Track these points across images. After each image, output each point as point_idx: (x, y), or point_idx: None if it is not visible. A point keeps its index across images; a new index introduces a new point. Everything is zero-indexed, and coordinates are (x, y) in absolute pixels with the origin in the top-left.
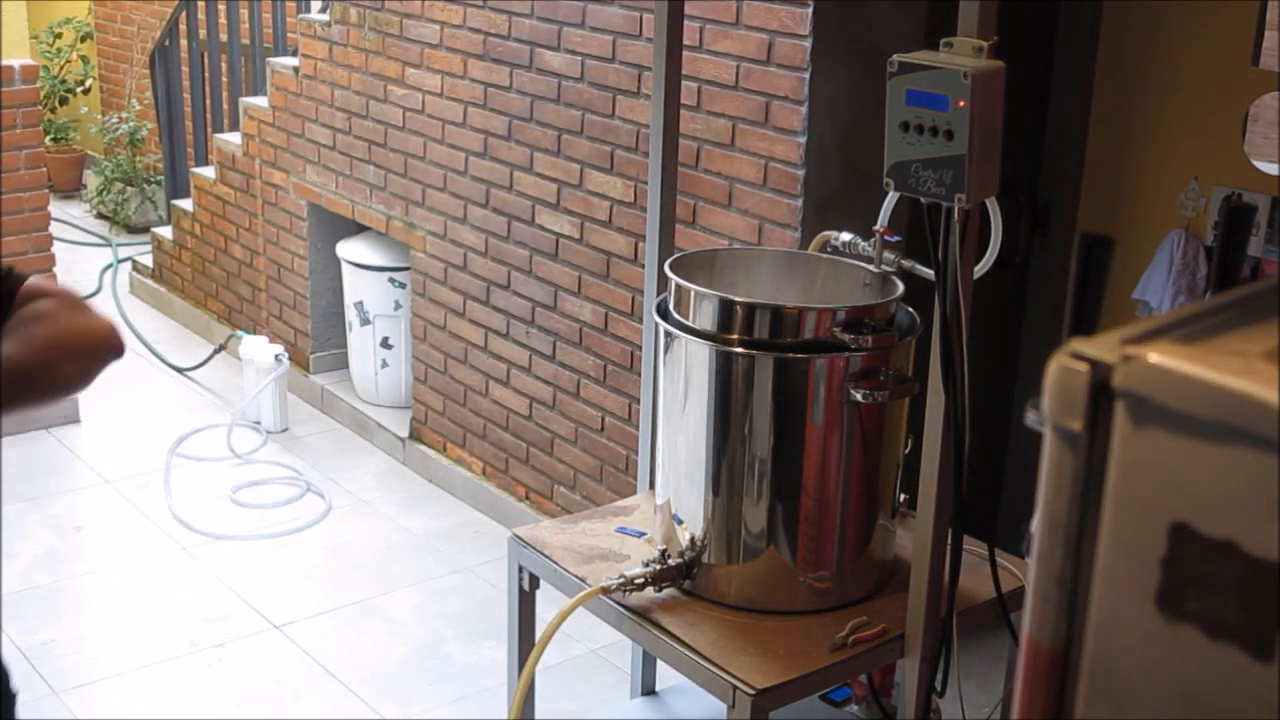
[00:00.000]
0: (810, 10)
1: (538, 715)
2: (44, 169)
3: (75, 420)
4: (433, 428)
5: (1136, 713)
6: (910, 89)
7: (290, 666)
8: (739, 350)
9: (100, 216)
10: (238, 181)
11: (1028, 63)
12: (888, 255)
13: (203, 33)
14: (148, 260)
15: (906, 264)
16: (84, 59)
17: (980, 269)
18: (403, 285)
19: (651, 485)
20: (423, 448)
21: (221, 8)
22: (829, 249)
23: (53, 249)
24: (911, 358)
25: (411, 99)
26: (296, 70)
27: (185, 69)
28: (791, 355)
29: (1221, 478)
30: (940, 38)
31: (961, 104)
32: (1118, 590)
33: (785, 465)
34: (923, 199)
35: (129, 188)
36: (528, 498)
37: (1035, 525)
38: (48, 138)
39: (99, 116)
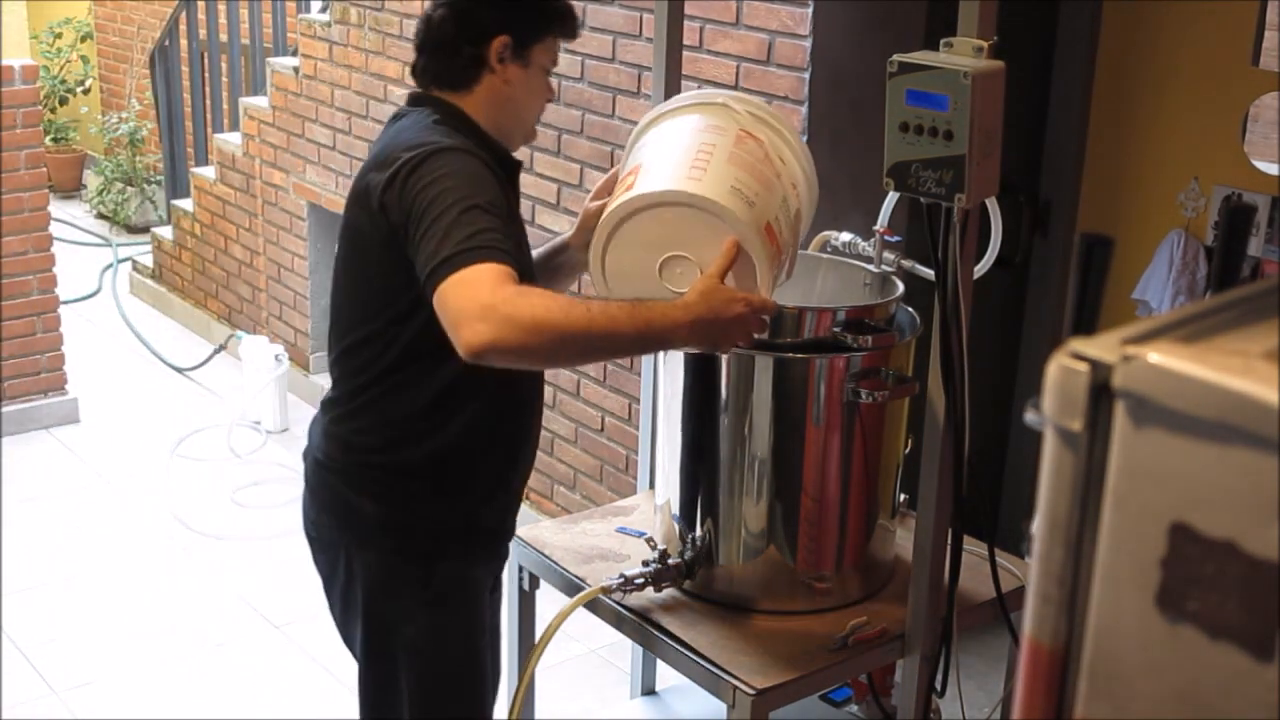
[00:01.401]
0: (810, 10)
1: (538, 715)
2: (44, 169)
3: (75, 420)
4: None
5: (1136, 713)
6: (910, 89)
7: (290, 666)
8: (739, 350)
9: (100, 216)
10: (238, 181)
11: (1028, 63)
12: (888, 255)
13: (203, 33)
14: (148, 260)
15: (906, 264)
16: (84, 59)
17: (980, 269)
18: None
19: (651, 485)
20: None
21: (221, 8)
22: (829, 249)
23: (53, 249)
24: (911, 358)
25: None
26: (296, 70)
27: (185, 69)
28: (791, 355)
29: (1221, 478)
30: (940, 38)
31: (961, 104)
32: (1118, 590)
33: (785, 465)
34: (923, 199)
35: (129, 188)
36: (528, 498)
37: (1035, 525)
38: (48, 138)
39: (99, 116)
